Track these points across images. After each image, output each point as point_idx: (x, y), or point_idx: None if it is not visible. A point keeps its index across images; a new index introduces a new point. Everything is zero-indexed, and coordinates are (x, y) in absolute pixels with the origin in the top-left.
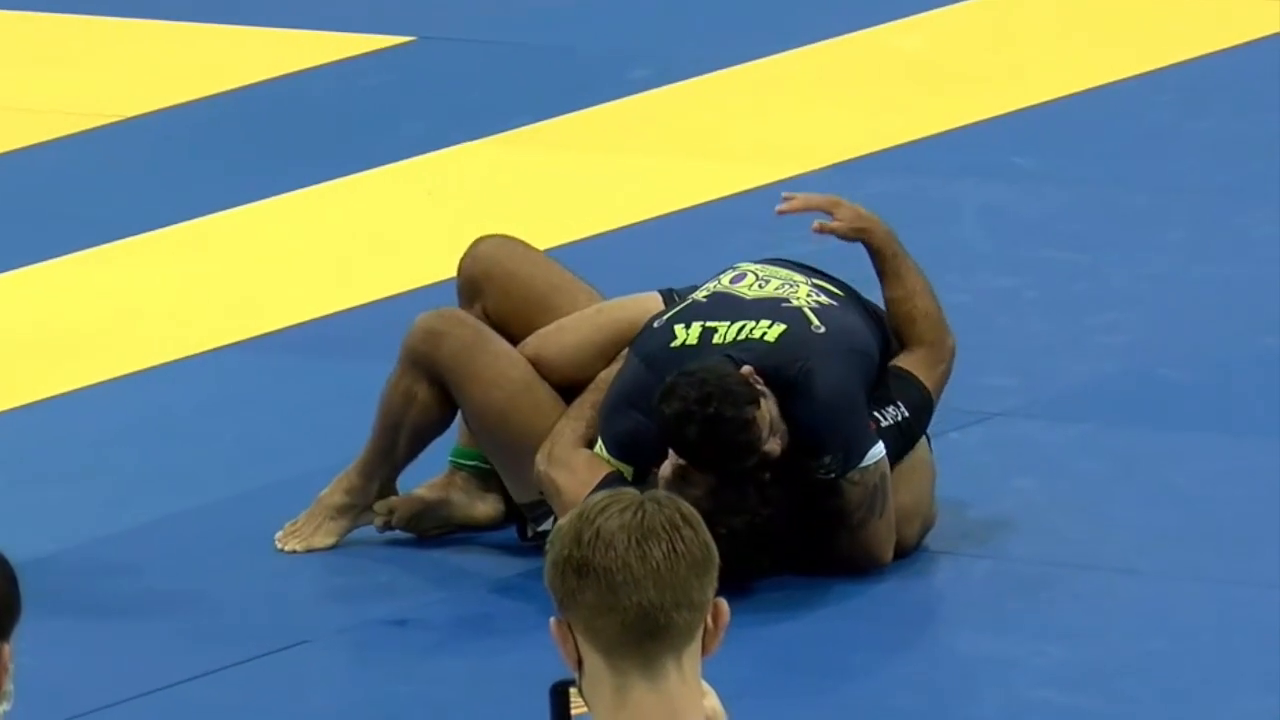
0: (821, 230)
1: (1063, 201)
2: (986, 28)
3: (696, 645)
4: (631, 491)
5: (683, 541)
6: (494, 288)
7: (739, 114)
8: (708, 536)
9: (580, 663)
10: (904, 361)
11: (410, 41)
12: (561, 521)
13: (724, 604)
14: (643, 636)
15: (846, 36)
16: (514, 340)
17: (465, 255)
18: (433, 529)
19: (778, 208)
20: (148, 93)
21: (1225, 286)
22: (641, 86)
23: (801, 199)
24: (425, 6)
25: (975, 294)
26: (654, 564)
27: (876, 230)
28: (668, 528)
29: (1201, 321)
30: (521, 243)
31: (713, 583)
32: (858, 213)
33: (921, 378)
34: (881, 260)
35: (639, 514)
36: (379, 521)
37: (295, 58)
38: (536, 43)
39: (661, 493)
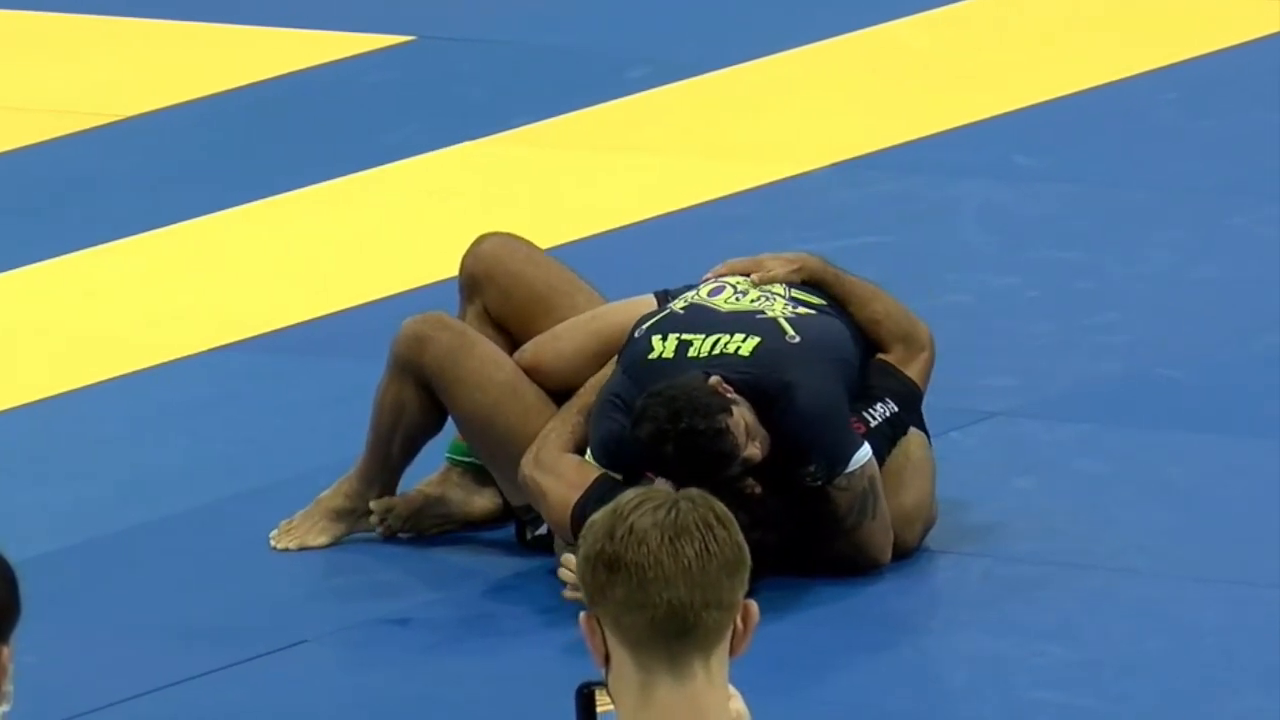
0: (764, 280)
1: (1063, 200)
2: (986, 26)
3: (725, 646)
4: (666, 489)
5: (715, 541)
6: (495, 286)
7: (738, 113)
8: (740, 537)
9: (607, 658)
10: (885, 358)
11: (410, 41)
12: (595, 516)
13: (754, 606)
14: (671, 634)
15: (845, 36)
16: (513, 339)
17: (467, 253)
18: (431, 527)
19: (704, 276)
20: (148, 92)
21: (1225, 285)
22: (641, 86)
23: (726, 265)
24: (425, 6)
25: (975, 293)
26: (685, 562)
27: (809, 264)
28: (701, 526)
29: (1202, 321)
30: (524, 241)
31: (743, 584)
32: (785, 258)
33: (905, 370)
34: (827, 288)
35: (673, 512)
36: (375, 519)
37: (295, 57)
38: (536, 42)
39: (695, 491)
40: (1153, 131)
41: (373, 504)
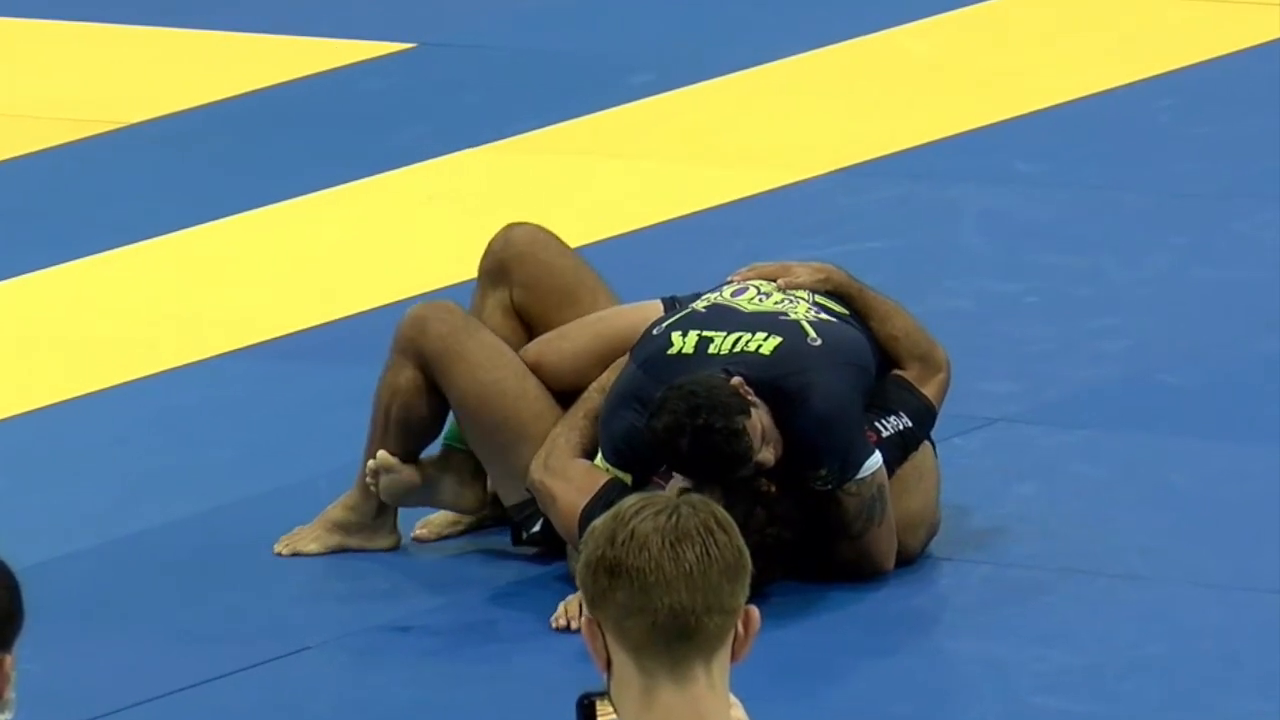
0: (789, 286)
1: (1063, 206)
2: (987, 33)
3: (726, 651)
4: (667, 494)
5: (716, 546)
6: (524, 273)
7: (741, 119)
8: (741, 542)
9: (609, 663)
10: (903, 374)
11: (411, 48)
12: (596, 522)
13: (755, 611)
14: (672, 639)
15: (846, 42)
16: (531, 329)
17: (497, 237)
18: (419, 504)
19: (730, 277)
20: (149, 99)
21: (1225, 290)
22: (643, 92)
23: (752, 269)
24: (426, 13)
25: (976, 299)
26: (686, 566)
27: (835, 276)
28: (702, 531)
29: (1202, 325)
30: (555, 235)
31: (744, 588)
32: (812, 266)
33: (920, 388)
34: (849, 300)
35: (674, 517)
36: (368, 471)
37: (296, 64)
38: (537, 48)
39: (696, 497)
40: (1151, 137)
41: (380, 454)
